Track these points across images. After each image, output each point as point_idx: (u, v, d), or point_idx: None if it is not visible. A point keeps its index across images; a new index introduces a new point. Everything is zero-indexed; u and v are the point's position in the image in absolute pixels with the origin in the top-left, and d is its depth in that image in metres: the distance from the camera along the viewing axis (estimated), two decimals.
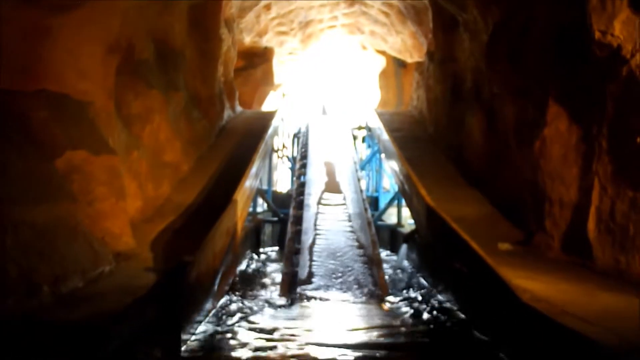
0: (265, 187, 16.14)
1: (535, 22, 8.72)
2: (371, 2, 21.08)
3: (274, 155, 18.56)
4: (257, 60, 23.46)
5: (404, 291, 9.01)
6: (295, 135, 21.31)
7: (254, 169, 11.22)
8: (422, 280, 9.81)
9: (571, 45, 7.65)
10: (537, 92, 8.59)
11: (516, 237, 9.36)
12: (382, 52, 24.04)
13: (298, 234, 10.80)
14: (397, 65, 24.27)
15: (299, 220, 11.61)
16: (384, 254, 12.37)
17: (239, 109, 19.27)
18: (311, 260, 9.48)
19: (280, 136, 20.07)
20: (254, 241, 12.59)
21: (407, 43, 21.93)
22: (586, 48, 7.13)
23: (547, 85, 8.30)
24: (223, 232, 7.81)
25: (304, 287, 8.48)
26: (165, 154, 11.93)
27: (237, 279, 9.28)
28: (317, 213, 12.05)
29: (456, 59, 14.70)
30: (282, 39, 23.18)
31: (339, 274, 8.92)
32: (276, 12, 21.58)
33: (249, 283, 9.33)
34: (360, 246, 10.27)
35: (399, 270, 10.82)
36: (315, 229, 11.02)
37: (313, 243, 10.26)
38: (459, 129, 13.40)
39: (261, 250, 13.06)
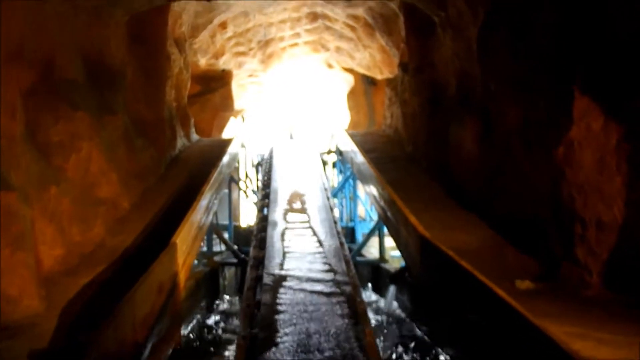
0: (225, 222, 14.14)
1: None
2: (335, 15, 19.47)
3: (237, 186, 16.59)
4: (214, 85, 21.63)
5: (398, 348, 7.01)
6: (259, 164, 19.37)
7: (203, 202, 9.24)
8: (418, 331, 7.84)
9: (605, 12, 5.84)
10: (555, 83, 6.73)
11: (531, 269, 7.45)
12: (350, 70, 22.41)
13: (259, 280, 8.65)
14: (367, 83, 22.72)
15: (260, 262, 9.47)
16: (365, 294, 10.40)
17: (195, 137, 17.33)
18: (277, 316, 7.32)
19: (243, 165, 18.16)
20: (210, 290, 10.46)
21: (376, 58, 20.33)
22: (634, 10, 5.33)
23: (571, 71, 6.44)
24: (153, 289, 5.79)
25: (267, 356, 6.32)
26: (99, 189, 9.88)
27: (180, 347, 7.13)
28: (284, 252, 9.94)
29: (434, 65, 13.06)
30: (240, 60, 21.39)
31: (314, 334, 6.80)
32: (233, 31, 19.83)
33: (197, 352, 7.22)
34: (339, 292, 8.17)
35: (387, 318, 8.82)
36: (282, 272, 8.90)
37: (279, 292, 8.12)
38: (443, 144, 11.58)
39: (220, 300, 10.95)
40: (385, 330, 8.25)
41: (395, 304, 9.50)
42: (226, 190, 14.25)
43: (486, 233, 8.97)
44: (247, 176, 19.00)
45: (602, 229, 6.08)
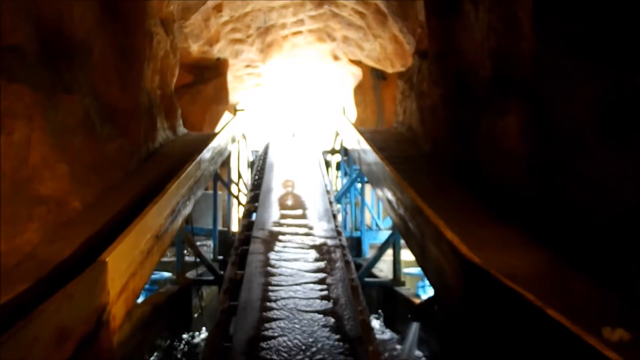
0: (209, 226, 12.06)
1: None
2: (343, 0, 17.49)
3: (225, 188, 14.52)
4: (207, 74, 19.65)
5: None
6: (252, 162, 17.31)
7: (168, 203, 7.10)
8: None
9: None
10: None
11: (611, 307, 5.27)
12: (358, 63, 20.43)
13: (233, 313, 6.42)
14: (376, 77, 20.74)
15: (237, 287, 7.19)
16: (374, 325, 8.22)
17: (182, 130, 15.30)
18: None
19: (235, 165, 16.14)
20: (177, 317, 8.23)
21: (387, 49, 18.31)
22: None
23: None
24: (43, 343, 3.63)
25: None
26: (40, 184, 7.75)
27: None
28: (270, 273, 7.66)
29: (459, 49, 10.92)
30: (237, 48, 19.41)
31: None
32: (229, 15, 17.84)
33: None
34: (341, 332, 5.94)
35: None
36: (265, 304, 6.60)
37: (258, 333, 5.87)
38: (472, 141, 9.44)
39: (192, 330, 8.75)
40: None
41: (417, 349, 7.29)
42: (211, 191, 12.22)
43: (538, 254, 6.71)
44: (240, 177, 16.92)
45: None
